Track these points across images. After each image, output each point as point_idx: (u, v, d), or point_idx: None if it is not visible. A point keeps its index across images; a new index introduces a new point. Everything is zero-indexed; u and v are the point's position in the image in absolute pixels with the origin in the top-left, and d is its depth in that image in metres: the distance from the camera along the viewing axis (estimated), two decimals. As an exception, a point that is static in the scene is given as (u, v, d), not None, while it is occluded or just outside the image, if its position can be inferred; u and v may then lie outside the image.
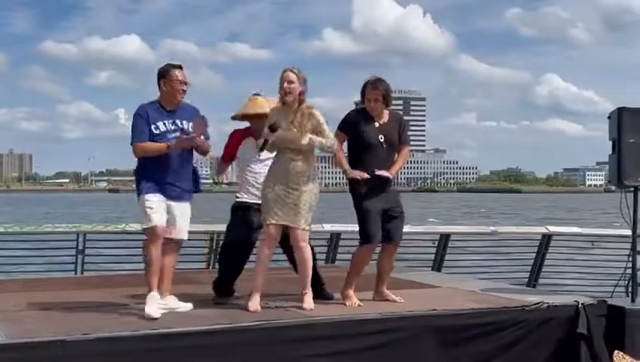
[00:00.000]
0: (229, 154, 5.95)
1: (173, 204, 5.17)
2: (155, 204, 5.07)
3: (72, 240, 7.75)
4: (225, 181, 6.09)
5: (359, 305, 5.46)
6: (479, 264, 9.35)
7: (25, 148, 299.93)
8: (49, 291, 5.77)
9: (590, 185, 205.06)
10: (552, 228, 9.48)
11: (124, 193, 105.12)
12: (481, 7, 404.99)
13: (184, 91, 5.20)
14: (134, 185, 5.26)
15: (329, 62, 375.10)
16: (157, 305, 4.94)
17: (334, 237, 8.57)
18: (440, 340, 5.12)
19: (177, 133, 5.14)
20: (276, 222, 5.23)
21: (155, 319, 4.79)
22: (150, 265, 5.02)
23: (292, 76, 5.24)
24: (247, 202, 5.74)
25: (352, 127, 5.63)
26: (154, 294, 4.98)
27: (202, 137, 5.22)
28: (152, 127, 5.11)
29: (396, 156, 5.67)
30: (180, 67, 5.22)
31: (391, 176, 5.54)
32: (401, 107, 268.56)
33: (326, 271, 7.78)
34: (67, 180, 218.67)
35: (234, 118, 6.01)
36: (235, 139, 5.92)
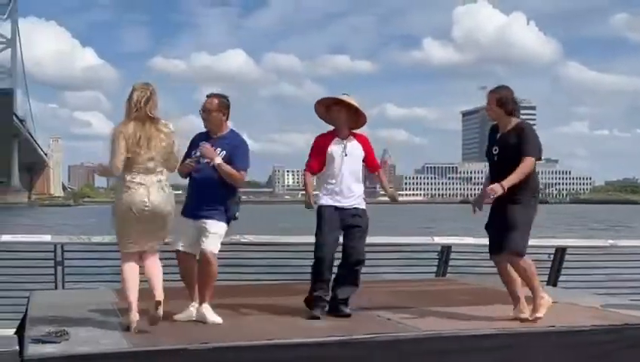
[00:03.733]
0: (320, 162, 5.76)
1: (197, 222, 5.34)
2: (179, 227, 5.36)
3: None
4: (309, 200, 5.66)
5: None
6: (596, 279, 8.99)
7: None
8: (169, 300, 5.94)
9: None
10: (676, 242, 9.01)
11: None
12: (586, 13, 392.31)
13: (203, 118, 5.46)
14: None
15: (429, 72, 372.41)
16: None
17: (445, 250, 8.47)
18: (559, 358, 4.96)
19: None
20: None
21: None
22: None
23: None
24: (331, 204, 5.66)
25: (488, 140, 5.55)
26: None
27: (228, 167, 5.32)
28: (192, 151, 5.42)
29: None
30: (208, 95, 5.49)
31: (499, 192, 5.10)
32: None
33: (436, 285, 7.74)
34: (180, 191, 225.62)
35: (319, 104, 5.83)
36: (322, 142, 5.76)
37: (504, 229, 5.26)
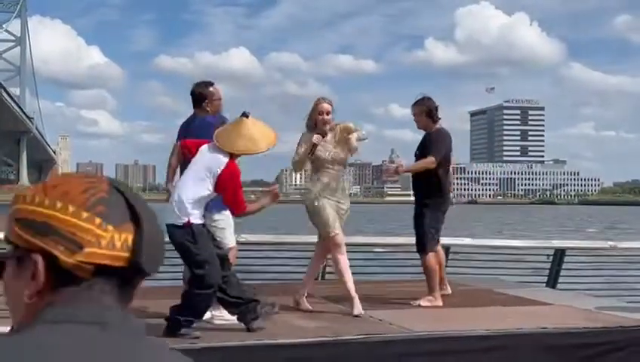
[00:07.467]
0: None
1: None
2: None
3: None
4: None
5: None
6: (597, 281, 8.96)
7: (147, 160, 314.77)
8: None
9: None
10: (677, 244, 8.96)
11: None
12: (588, 15, 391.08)
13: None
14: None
15: (432, 73, 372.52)
16: None
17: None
18: (549, 360, 4.94)
19: None
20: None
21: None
22: None
23: (329, 107, 5.58)
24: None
25: None
26: None
27: None
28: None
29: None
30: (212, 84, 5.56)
31: (391, 169, 5.94)
32: (518, 116, 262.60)
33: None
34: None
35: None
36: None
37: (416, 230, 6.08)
